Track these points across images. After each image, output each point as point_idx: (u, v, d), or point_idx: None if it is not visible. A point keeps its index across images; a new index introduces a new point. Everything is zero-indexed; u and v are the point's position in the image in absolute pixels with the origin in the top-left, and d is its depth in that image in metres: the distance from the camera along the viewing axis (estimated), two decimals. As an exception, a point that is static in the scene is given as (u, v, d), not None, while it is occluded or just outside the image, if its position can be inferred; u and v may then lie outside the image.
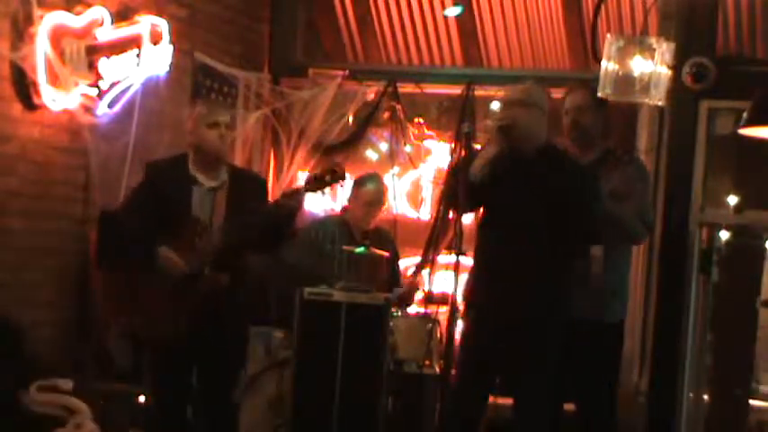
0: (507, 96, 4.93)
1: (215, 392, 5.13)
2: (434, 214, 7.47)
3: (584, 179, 4.86)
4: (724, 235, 7.55)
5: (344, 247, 6.25)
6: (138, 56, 6.32)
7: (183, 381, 5.12)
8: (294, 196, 5.01)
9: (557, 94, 5.31)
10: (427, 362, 6.07)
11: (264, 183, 5.61)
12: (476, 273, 4.94)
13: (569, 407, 5.24)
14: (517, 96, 4.87)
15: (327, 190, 5.31)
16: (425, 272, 7.11)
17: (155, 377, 5.26)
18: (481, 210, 4.99)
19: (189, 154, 5.14)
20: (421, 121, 7.76)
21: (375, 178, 6.69)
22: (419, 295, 6.85)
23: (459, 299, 4.90)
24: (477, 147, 4.94)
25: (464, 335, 4.94)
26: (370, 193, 6.53)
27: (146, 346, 5.33)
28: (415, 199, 7.80)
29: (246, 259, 5.18)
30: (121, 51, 6.24)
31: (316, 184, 5.02)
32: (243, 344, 5.68)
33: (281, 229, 5.07)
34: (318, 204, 7.80)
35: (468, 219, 4.96)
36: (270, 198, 5.36)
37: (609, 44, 6.20)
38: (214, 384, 5.13)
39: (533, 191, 4.75)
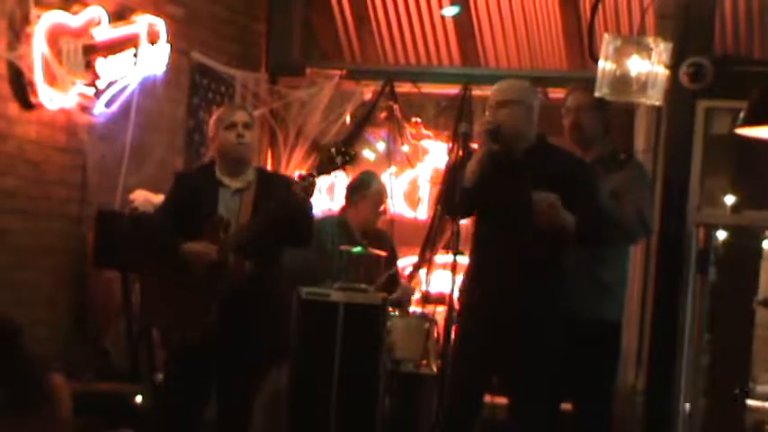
0: (491, 98, 4.91)
1: (234, 393, 5.06)
2: (432, 214, 7.48)
3: (579, 170, 4.87)
4: (721, 235, 7.57)
5: (342, 247, 6.25)
6: (135, 55, 6.33)
7: (201, 383, 5.04)
8: (306, 179, 4.96)
9: (555, 93, 5.31)
10: (424, 361, 6.06)
11: (291, 183, 5.57)
12: (471, 272, 4.93)
13: (566, 406, 5.24)
14: (499, 98, 4.85)
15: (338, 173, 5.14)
16: (422, 271, 7.11)
17: (172, 379, 5.15)
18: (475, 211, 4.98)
19: (216, 161, 5.13)
20: (418, 120, 7.77)
21: (376, 177, 6.66)
22: (416, 295, 6.86)
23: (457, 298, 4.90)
24: (475, 146, 4.94)
25: (459, 334, 4.92)
26: (378, 193, 6.49)
27: (171, 346, 5.20)
28: (412, 199, 7.80)
29: (275, 252, 5.10)
30: (119, 51, 6.24)
31: (327, 166, 4.95)
32: (272, 340, 5.45)
33: (297, 216, 4.99)
34: (317, 205, 7.80)
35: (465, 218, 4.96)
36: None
37: (606, 44, 6.20)
38: (234, 384, 5.05)
39: (524, 189, 4.75)
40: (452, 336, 4.78)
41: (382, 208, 6.57)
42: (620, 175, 5.16)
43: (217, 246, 4.88)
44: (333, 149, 4.97)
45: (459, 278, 4.88)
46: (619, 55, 6.15)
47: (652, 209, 5.54)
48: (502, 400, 5.03)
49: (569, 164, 4.91)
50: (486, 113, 4.92)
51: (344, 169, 5.17)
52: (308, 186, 4.92)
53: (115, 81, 6.26)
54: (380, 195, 6.51)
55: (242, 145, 5.03)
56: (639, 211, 5.16)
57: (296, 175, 5.57)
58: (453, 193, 4.70)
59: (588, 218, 4.77)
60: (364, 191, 6.44)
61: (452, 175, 4.82)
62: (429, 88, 7.84)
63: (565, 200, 4.71)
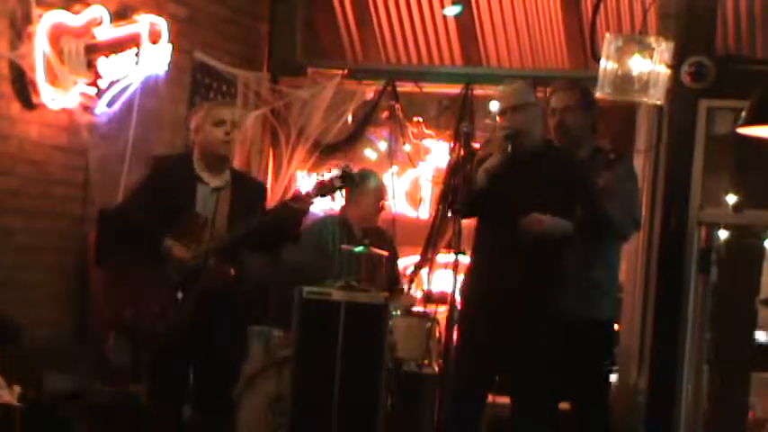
0: (502, 105, 4.93)
1: (213, 390, 5.11)
2: (434, 213, 7.47)
3: (579, 170, 4.91)
4: (723, 234, 7.55)
5: (343, 246, 6.25)
6: (136, 55, 6.33)
7: (180, 380, 5.10)
8: (304, 200, 5.00)
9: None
10: (426, 361, 6.06)
11: (265, 188, 5.63)
12: (473, 272, 4.94)
13: (564, 405, 5.24)
14: (513, 102, 4.89)
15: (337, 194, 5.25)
16: (424, 271, 7.11)
17: (151, 376, 5.23)
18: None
19: (194, 152, 5.13)
20: (420, 120, 7.76)
21: (373, 173, 6.67)
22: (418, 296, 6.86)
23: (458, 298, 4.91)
24: (476, 145, 4.96)
25: (461, 334, 4.93)
26: (377, 189, 6.50)
27: (144, 344, 5.29)
28: (414, 198, 7.79)
29: (247, 258, 5.16)
30: (120, 50, 6.24)
31: (327, 188, 5.01)
32: (242, 340, 5.64)
33: (285, 230, 5.05)
34: (318, 205, 7.79)
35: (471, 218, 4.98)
36: (268, 202, 5.37)
37: (608, 43, 6.21)
38: (212, 382, 5.10)
39: (530, 189, 4.78)
40: (454, 335, 4.79)
41: (381, 204, 6.58)
42: (610, 173, 5.15)
43: (192, 248, 4.91)
44: (335, 173, 5.04)
45: (461, 278, 4.89)
46: (620, 54, 6.16)
47: (640, 205, 5.53)
48: (504, 400, 5.03)
49: (570, 164, 4.94)
50: (498, 120, 4.94)
51: (343, 190, 5.26)
52: (305, 207, 4.98)
53: (117, 80, 6.26)
54: (379, 191, 6.53)
55: (229, 143, 5.06)
56: (629, 207, 5.17)
57: (294, 189, 5.63)
58: (460, 193, 4.72)
59: (592, 214, 4.82)
60: (362, 187, 6.44)
61: (456, 174, 4.84)
62: (431, 88, 7.83)
63: (566, 200, 4.75)
